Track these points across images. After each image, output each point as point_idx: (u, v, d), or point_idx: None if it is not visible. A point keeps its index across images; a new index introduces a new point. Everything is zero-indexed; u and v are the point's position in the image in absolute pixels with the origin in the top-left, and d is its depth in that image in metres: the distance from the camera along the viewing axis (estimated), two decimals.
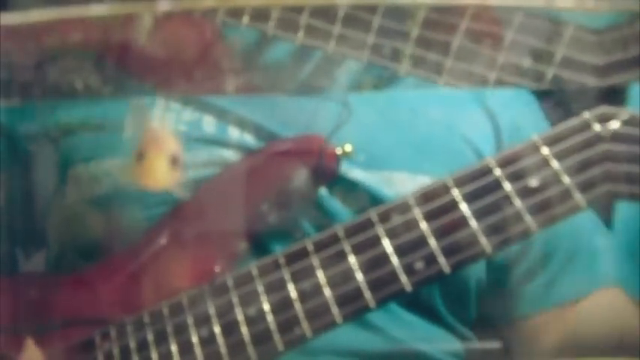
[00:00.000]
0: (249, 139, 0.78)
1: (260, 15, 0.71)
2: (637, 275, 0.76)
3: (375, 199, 0.75)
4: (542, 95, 0.83)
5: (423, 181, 0.71)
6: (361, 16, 0.71)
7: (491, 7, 0.71)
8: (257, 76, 0.78)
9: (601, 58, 0.68)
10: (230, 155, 0.77)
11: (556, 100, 0.81)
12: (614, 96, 0.70)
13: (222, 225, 0.75)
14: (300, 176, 0.74)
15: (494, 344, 0.78)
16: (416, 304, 0.76)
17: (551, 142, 0.67)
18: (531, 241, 0.78)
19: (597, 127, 0.67)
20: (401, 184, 0.76)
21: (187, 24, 0.73)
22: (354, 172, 0.77)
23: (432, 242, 0.67)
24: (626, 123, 0.67)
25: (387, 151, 0.78)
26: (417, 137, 0.80)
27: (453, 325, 0.78)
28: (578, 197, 0.65)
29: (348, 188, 0.77)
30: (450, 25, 0.70)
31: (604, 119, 0.67)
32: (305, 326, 0.68)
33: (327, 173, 0.76)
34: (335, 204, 0.76)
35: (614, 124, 0.67)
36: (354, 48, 0.71)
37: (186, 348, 0.70)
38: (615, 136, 0.66)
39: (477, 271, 0.78)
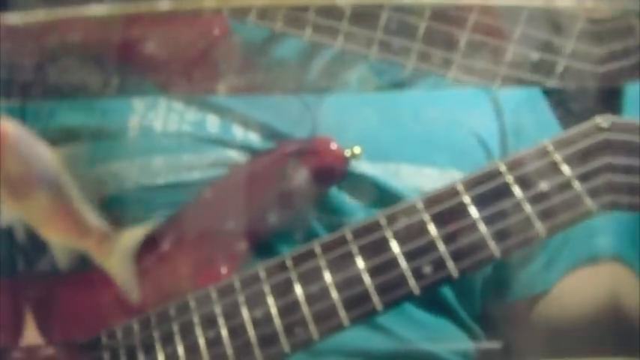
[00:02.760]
0: (253, 138, 0.78)
1: (267, 13, 0.70)
2: (636, 247, 0.76)
3: (382, 191, 0.75)
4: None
5: (429, 173, 0.71)
6: (369, 12, 0.70)
7: (493, 6, 0.70)
8: (264, 74, 0.77)
9: (603, 48, 0.67)
10: (235, 155, 0.77)
11: (556, 100, 0.81)
12: (614, 96, 0.70)
13: (228, 226, 0.75)
14: (308, 178, 0.74)
15: (496, 344, 0.79)
16: (427, 297, 0.76)
17: (560, 146, 0.67)
18: None
19: (606, 133, 0.66)
20: (408, 177, 0.76)
21: (195, 20, 0.71)
22: (361, 165, 0.76)
23: (441, 246, 0.67)
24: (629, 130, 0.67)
25: (393, 144, 0.78)
26: (423, 131, 0.80)
27: (463, 320, 0.79)
28: (589, 203, 0.65)
29: (356, 181, 0.77)
30: (457, 20, 0.69)
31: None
32: (312, 329, 0.68)
33: (335, 175, 0.75)
34: (343, 197, 0.76)
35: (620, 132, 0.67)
36: (362, 44, 0.70)
37: (192, 349, 0.70)
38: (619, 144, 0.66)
39: None
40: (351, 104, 0.78)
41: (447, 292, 0.78)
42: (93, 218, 0.68)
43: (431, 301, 0.77)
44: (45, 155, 0.66)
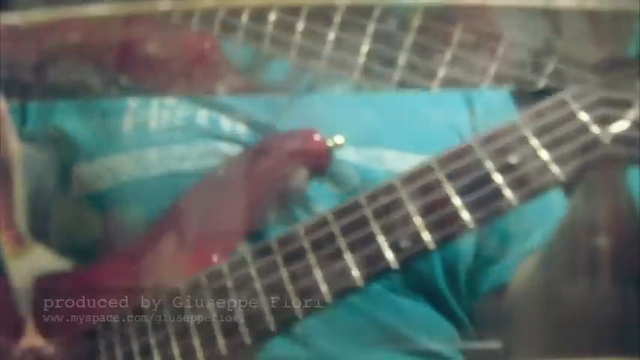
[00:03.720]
0: (240, 130, 0.81)
1: (258, 17, 0.74)
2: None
3: (366, 176, 0.78)
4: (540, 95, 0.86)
5: (411, 159, 0.74)
6: (356, 22, 0.75)
7: (491, 7, 0.74)
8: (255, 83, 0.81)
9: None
10: (224, 146, 0.81)
11: None
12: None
13: (220, 220, 0.78)
14: (294, 170, 0.77)
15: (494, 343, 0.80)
16: (415, 285, 0.78)
17: (528, 120, 0.70)
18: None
19: (574, 105, 0.69)
20: (391, 162, 0.79)
21: (187, 37, 0.75)
22: (345, 151, 0.79)
23: (417, 220, 0.70)
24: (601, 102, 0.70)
25: (376, 132, 0.81)
26: (405, 122, 0.83)
27: (450, 309, 0.80)
28: (556, 171, 0.68)
29: (340, 166, 0.80)
30: (443, 32, 0.74)
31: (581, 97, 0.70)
32: (296, 306, 0.71)
33: (320, 166, 0.79)
34: (326, 184, 0.79)
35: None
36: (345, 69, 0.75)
37: (183, 333, 0.73)
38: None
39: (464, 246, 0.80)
40: (336, 96, 0.82)
41: (436, 281, 0.80)
42: (20, 220, 0.72)
43: (419, 289, 0.79)
44: (10, 144, 0.70)
